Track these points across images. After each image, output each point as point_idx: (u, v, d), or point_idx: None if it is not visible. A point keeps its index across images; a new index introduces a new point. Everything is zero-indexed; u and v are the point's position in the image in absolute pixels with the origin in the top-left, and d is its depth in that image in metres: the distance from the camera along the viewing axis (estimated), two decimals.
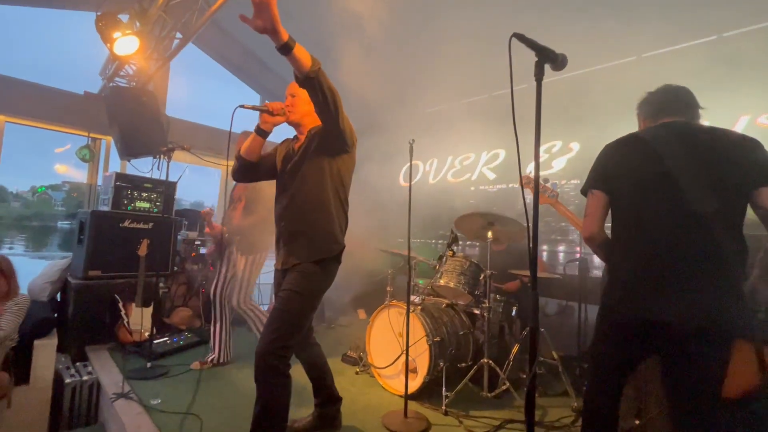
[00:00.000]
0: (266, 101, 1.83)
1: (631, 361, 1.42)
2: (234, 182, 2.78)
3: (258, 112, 1.79)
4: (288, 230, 1.80)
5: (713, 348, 1.17)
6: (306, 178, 1.75)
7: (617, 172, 1.40)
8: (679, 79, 3.37)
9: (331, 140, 1.70)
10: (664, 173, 1.28)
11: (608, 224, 1.46)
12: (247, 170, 1.89)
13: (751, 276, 1.52)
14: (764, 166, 1.24)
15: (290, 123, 1.85)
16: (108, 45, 3.18)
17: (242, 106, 1.69)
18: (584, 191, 1.48)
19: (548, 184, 2.38)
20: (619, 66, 3.77)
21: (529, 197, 1.17)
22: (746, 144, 1.29)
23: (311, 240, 1.74)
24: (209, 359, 2.88)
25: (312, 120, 1.82)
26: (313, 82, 1.45)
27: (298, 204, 1.76)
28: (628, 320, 1.32)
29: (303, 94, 1.76)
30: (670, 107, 1.46)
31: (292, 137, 1.97)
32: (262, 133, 1.82)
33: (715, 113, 3.11)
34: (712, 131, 1.36)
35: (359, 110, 4.06)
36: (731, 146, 1.29)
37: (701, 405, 1.20)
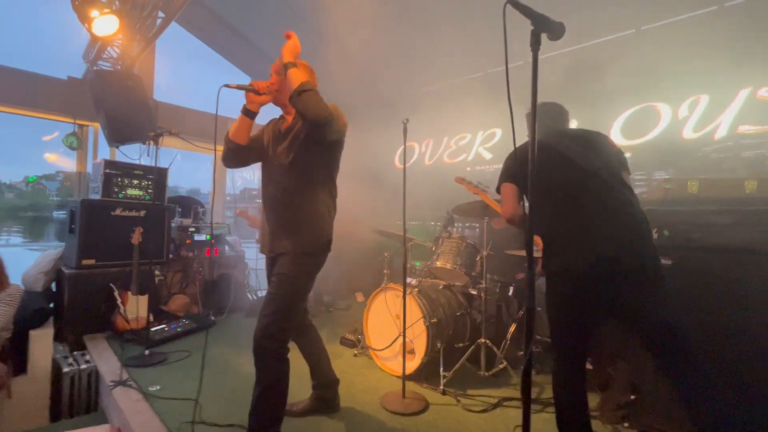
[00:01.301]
0: (251, 80, 1.76)
1: (592, 321, 1.57)
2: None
3: (244, 93, 1.72)
4: (275, 218, 1.77)
5: (659, 281, 1.47)
6: (294, 165, 1.71)
7: (522, 170, 1.65)
8: (679, 53, 3.30)
9: (319, 132, 1.66)
10: (567, 164, 1.60)
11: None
12: (237, 154, 1.81)
13: None
14: (621, 155, 1.69)
15: (276, 103, 1.80)
16: (86, 25, 3.04)
17: (227, 86, 1.64)
18: (498, 189, 1.78)
19: (474, 181, 2.69)
20: (617, 40, 3.68)
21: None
22: (602, 137, 1.72)
23: (297, 232, 1.71)
24: None
25: None
26: (295, 103, 1.55)
27: (286, 192, 1.73)
28: (589, 275, 1.49)
29: (288, 72, 1.71)
30: (548, 118, 1.77)
31: (278, 117, 1.90)
32: (248, 113, 1.75)
33: (716, 87, 3.09)
34: (582, 129, 1.79)
35: (351, 92, 3.99)
36: (600, 139, 1.71)
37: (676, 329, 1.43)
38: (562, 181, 1.60)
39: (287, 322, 1.67)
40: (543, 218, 1.61)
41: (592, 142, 1.68)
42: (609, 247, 1.47)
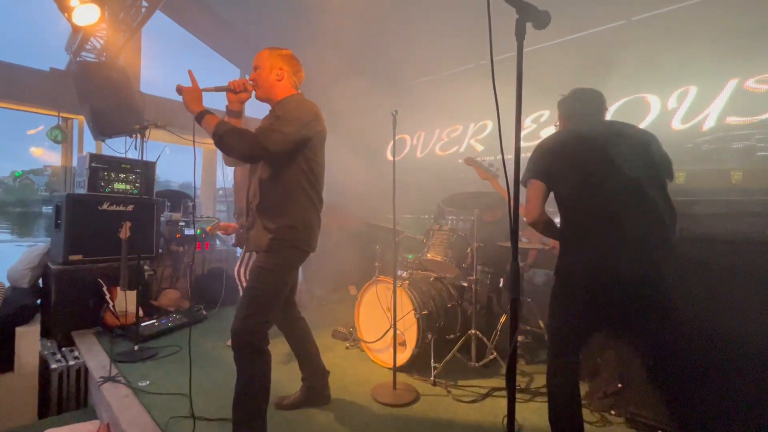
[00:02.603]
0: (228, 81, 1.75)
1: (594, 325, 1.58)
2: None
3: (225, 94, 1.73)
4: (253, 215, 1.76)
5: (662, 306, 1.44)
6: (272, 163, 1.68)
7: (556, 166, 1.56)
8: (669, 43, 3.31)
9: (255, 159, 1.72)
10: (602, 161, 1.49)
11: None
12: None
13: None
14: (666, 160, 1.55)
15: (258, 98, 1.77)
16: (66, 15, 2.96)
17: (205, 89, 1.65)
18: (524, 182, 1.61)
19: (486, 164, 2.49)
20: (608, 30, 3.67)
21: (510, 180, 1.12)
22: (650, 137, 1.57)
23: (275, 231, 1.69)
24: None
25: (280, 91, 1.75)
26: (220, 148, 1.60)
27: (264, 190, 1.71)
28: (598, 283, 1.46)
29: (265, 64, 1.74)
30: (586, 108, 1.69)
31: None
32: (232, 113, 1.75)
33: (704, 77, 3.10)
34: (622, 125, 1.63)
35: (342, 83, 3.94)
36: (644, 138, 1.56)
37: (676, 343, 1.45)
38: (592, 179, 1.50)
39: (264, 316, 1.66)
40: (565, 212, 1.58)
41: (637, 141, 1.54)
42: (618, 257, 1.42)
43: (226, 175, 2.92)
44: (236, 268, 3.00)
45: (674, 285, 1.43)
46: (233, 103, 1.73)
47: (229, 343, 2.86)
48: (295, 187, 1.70)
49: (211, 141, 1.81)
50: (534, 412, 2.09)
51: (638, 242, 1.42)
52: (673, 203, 1.51)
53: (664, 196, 1.50)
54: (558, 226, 1.63)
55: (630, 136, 1.55)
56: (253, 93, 1.77)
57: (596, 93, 1.70)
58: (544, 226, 1.60)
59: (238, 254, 4.49)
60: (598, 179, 1.49)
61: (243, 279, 2.93)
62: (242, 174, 2.88)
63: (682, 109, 3.20)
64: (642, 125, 3.38)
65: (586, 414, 2.01)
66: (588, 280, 1.48)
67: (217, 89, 1.68)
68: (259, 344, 1.64)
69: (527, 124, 4.03)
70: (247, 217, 1.82)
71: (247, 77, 1.77)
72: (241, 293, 2.85)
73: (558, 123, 1.84)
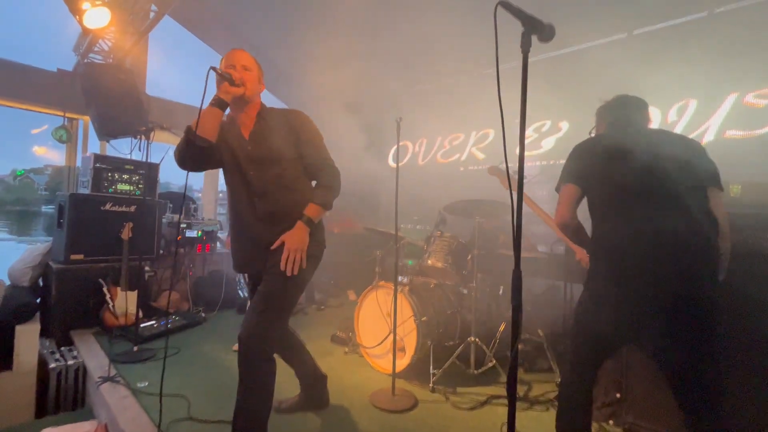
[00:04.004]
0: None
1: (614, 345, 1.50)
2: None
3: (216, 82, 1.63)
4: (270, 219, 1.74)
5: (698, 327, 1.29)
6: (292, 170, 1.72)
7: (592, 171, 1.51)
8: (670, 57, 3.35)
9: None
10: (639, 170, 1.41)
11: None
12: (202, 154, 1.60)
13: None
14: (710, 169, 1.44)
15: (245, 97, 1.66)
16: (77, 17, 3.00)
17: (213, 68, 1.55)
18: (558, 187, 1.58)
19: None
20: (609, 43, 3.72)
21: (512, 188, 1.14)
22: (702, 148, 1.48)
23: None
24: None
25: (258, 96, 1.75)
26: None
27: (275, 200, 1.70)
28: (621, 303, 1.38)
29: (255, 69, 1.71)
30: (630, 115, 1.63)
31: (226, 119, 1.74)
32: (220, 104, 1.58)
33: (704, 91, 3.14)
34: (667, 134, 1.60)
35: (344, 90, 3.98)
36: (686, 148, 1.48)
37: (705, 381, 1.29)
38: (622, 186, 1.43)
39: (280, 322, 1.65)
40: (596, 221, 1.51)
41: (680, 150, 1.45)
42: (642, 275, 1.34)
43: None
44: None
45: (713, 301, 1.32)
46: (227, 95, 1.59)
47: (236, 348, 2.88)
48: (311, 192, 1.74)
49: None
50: (532, 420, 2.09)
51: (671, 256, 1.32)
52: (717, 215, 1.40)
53: (704, 208, 1.40)
54: (588, 235, 1.57)
55: (672, 144, 1.47)
56: None
57: (641, 101, 1.64)
58: (573, 231, 1.54)
59: None
60: (634, 189, 1.41)
61: (246, 280, 2.94)
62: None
63: (682, 122, 3.24)
64: None
65: None
66: (617, 294, 1.39)
67: (221, 75, 1.59)
68: (268, 351, 1.60)
69: (529, 133, 4.07)
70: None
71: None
72: (242, 295, 2.85)
73: (593, 131, 1.79)
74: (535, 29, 1.06)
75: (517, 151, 1.12)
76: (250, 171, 1.69)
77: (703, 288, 1.31)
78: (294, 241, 1.60)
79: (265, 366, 1.60)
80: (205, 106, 1.56)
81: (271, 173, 1.68)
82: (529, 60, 1.07)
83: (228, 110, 1.65)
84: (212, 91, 1.61)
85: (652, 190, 1.40)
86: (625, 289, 1.37)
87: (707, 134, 3.12)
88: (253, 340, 1.56)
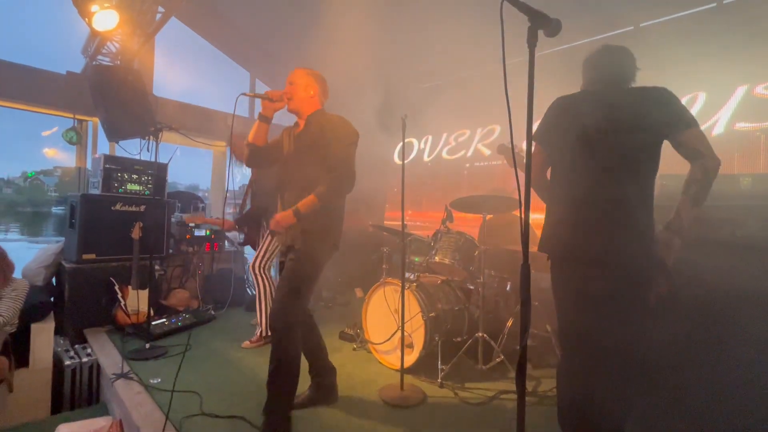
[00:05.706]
0: (267, 89, 2.01)
1: (578, 311, 1.47)
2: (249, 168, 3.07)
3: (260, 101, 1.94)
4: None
5: (619, 283, 1.34)
6: (305, 168, 1.89)
7: (554, 131, 1.54)
8: (678, 49, 3.31)
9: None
10: (588, 133, 1.41)
11: None
12: (257, 155, 2.02)
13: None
14: (680, 114, 1.40)
15: (290, 110, 1.97)
16: (86, 20, 3.05)
17: (244, 94, 1.88)
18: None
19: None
20: (616, 37, 3.68)
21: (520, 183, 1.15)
22: (661, 96, 1.43)
23: (308, 233, 1.86)
24: (258, 333, 2.99)
25: (310, 106, 1.96)
26: None
27: (297, 194, 1.87)
28: (566, 256, 1.46)
29: (300, 81, 1.94)
30: (605, 71, 1.56)
31: (292, 124, 2.07)
32: (264, 119, 1.94)
33: (713, 83, 3.10)
34: (633, 91, 1.51)
35: (351, 87, 3.99)
36: (647, 101, 1.43)
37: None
38: (578, 150, 1.43)
39: (302, 299, 1.86)
40: (553, 184, 1.54)
41: (630, 108, 1.41)
42: (580, 233, 1.39)
43: (234, 177, 2.99)
44: (252, 264, 3.04)
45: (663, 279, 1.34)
46: (267, 110, 1.93)
47: (246, 344, 2.93)
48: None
49: (220, 143, 1.94)
50: (540, 416, 2.09)
51: (597, 222, 1.36)
52: (699, 148, 1.35)
53: (637, 175, 1.38)
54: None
55: (629, 103, 1.42)
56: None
57: (623, 56, 1.55)
58: (541, 192, 1.59)
59: (246, 255, 4.56)
60: (585, 151, 1.41)
61: (259, 274, 2.98)
62: (263, 174, 3.03)
63: None
64: None
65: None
66: (554, 258, 1.46)
67: (257, 96, 1.90)
68: (293, 331, 1.84)
69: (535, 127, 4.05)
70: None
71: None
72: (250, 293, 2.90)
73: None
74: (542, 24, 1.06)
75: (524, 145, 1.13)
76: (288, 166, 1.98)
77: (621, 259, 1.33)
78: (277, 216, 1.86)
79: (288, 345, 1.83)
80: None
81: (300, 169, 1.91)
82: (536, 54, 1.07)
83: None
84: (241, 112, 1.82)
85: (593, 154, 1.40)
86: (560, 257, 1.46)
87: (717, 127, 3.09)
88: (280, 314, 1.82)
